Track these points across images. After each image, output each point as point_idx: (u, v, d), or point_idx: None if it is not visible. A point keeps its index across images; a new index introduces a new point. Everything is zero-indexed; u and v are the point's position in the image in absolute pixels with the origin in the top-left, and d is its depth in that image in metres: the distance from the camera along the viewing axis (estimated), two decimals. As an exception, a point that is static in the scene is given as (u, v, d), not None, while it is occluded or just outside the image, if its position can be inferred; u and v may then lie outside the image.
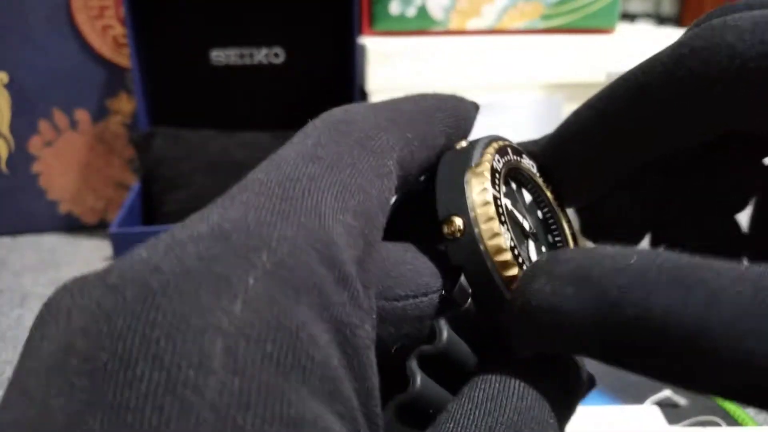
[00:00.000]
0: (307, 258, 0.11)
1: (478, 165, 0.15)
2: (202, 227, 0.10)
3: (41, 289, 0.58)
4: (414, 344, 0.14)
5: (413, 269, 0.15)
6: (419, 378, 0.13)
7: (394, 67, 0.64)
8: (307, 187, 0.12)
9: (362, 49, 0.65)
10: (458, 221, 0.14)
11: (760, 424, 0.37)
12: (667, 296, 0.11)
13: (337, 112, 0.14)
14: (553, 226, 0.17)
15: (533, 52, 0.67)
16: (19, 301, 0.55)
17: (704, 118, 0.14)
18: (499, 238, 0.14)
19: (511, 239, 0.14)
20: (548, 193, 0.17)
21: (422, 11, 0.68)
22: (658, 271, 0.11)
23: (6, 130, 0.66)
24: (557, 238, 0.17)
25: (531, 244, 0.16)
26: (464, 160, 0.15)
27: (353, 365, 0.11)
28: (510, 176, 0.17)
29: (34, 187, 0.69)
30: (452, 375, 0.14)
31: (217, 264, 0.10)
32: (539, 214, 0.17)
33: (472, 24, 0.69)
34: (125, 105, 0.69)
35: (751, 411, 0.38)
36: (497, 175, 0.15)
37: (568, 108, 0.68)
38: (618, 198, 0.17)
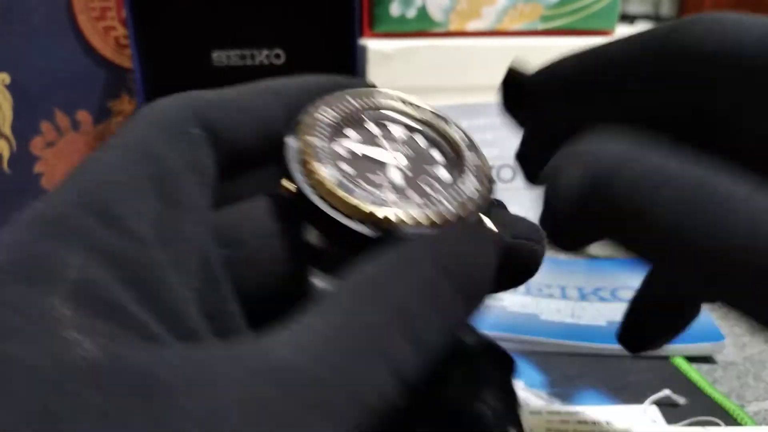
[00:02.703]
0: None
1: (298, 124, 0.17)
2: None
3: (43, 289, 0.58)
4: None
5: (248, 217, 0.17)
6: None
7: (394, 69, 0.64)
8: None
9: (363, 50, 0.65)
10: (286, 183, 0.16)
11: (760, 424, 0.37)
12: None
13: (144, 108, 0.16)
14: (440, 145, 0.19)
15: (533, 53, 0.67)
16: (21, 301, 0.55)
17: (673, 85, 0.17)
18: (319, 174, 0.16)
19: (340, 173, 0.16)
20: (427, 122, 0.19)
21: (422, 12, 0.68)
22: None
23: (8, 131, 0.67)
24: (446, 151, 0.19)
25: (393, 171, 0.17)
26: (292, 126, 0.17)
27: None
28: (366, 118, 0.19)
29: (35, 188, 0.69)
30: None
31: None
32: (420, 142, 0.19)
33: (472, 25, 0.69)
34: (127, 106, 0.69)
35: (750, 410, 0.38)
36: (322, 125, 0.17)
37: (567, 109, 0.68)
38: None
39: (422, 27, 0.69)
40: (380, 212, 0.15)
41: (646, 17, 1.52)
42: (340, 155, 0.17)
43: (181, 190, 0.14)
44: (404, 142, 0.18)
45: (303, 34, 0.69)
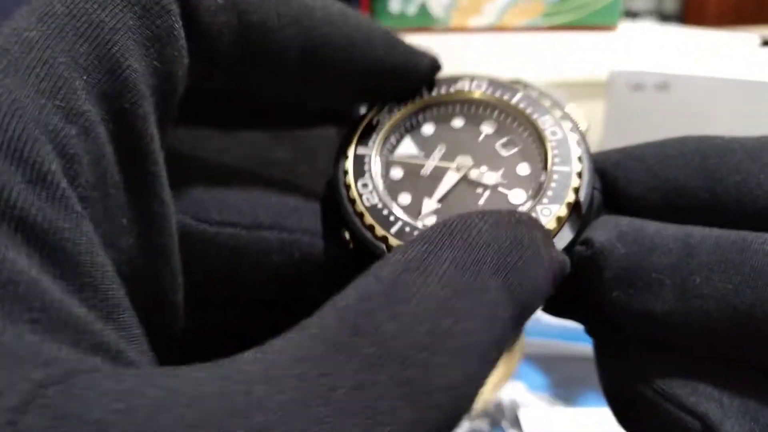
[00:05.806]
0: None
1: (358, 122, 0.17)
2: None
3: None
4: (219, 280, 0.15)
5: (246, 199, 0.15)
6: None
7: (394, 66, 0.64)
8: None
9: (362, 47, 0.65)
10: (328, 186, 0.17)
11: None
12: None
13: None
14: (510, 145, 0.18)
15: (535, 50, 0.66)
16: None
17: None
18: (354, 191, 0.16)
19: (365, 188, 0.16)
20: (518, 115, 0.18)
21: (423, 9, 0.67)
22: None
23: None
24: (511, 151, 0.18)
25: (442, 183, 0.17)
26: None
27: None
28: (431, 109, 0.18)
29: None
30: None
31: None
32: (500, 143, 0.18)
33: (473, 22, 0.69)
34: (125, 104, 0.69)
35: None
36: (375, 131, 0.17)
37: (570, 106, 0.68)
38: None
39: (423, 24, 0.68)
40: (394, 241, 0.15)
41: (649, 13, 1.51)
42: (388, 165, 0.17)
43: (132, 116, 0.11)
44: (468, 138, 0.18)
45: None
